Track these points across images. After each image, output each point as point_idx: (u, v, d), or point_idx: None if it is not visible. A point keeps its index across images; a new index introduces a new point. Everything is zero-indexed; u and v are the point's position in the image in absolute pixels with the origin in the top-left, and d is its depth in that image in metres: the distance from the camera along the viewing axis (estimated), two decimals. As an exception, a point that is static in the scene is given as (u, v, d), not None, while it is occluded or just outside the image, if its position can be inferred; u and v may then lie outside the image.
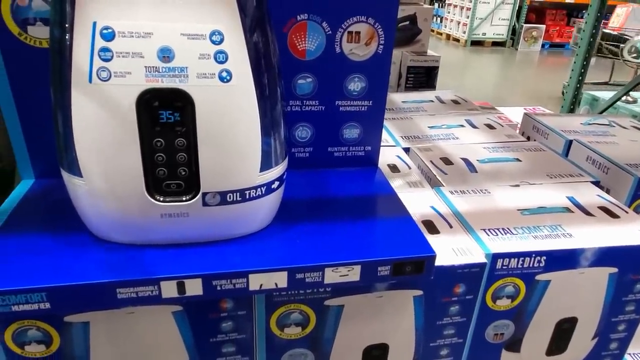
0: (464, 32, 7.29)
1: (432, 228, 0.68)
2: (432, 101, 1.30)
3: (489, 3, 7.01)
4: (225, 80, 0.48)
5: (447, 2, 7.89)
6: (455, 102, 1.30)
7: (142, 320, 0.57)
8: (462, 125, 1.11)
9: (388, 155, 0.93)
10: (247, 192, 0.53)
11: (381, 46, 0.68)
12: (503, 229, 0.69)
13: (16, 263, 0.50)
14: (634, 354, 0.86)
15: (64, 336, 0.55)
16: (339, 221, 0.61)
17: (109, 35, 0.44)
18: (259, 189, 0.54)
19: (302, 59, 0.67)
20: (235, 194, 0.53)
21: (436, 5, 8.26)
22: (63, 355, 0.56)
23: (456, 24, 7.65)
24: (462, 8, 7.37)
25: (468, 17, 7.11)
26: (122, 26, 0.44)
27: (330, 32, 0.66)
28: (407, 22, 1.58)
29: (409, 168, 0.88)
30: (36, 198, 0.63)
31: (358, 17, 0.66)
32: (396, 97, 1.33)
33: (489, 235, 0.67)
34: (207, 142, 0.49)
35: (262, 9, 0.50)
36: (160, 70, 0.45)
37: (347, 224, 0.60)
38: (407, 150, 0.98)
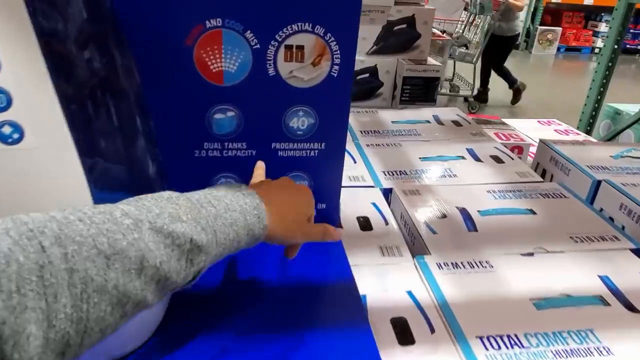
0: (475, 34, 7.01)
1: (406, 335, 0.47)
2: (428, 122, 1.08)
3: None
4: (9, 140, 0.26)
5: (459, 2, 7.61)
6: (457, 123, 1.08)
7: None
8: (462, 157, 0.89)
9: (362, 200, 0.72)
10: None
11: (336, 67, 0.47)
12: (509, 336, 0.47)
13: None
14: None
15: None
16: (257, 330, 0.40)
17: None
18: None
19: (219, 85, 0.46)
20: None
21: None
22: None
23: (467, 26, 7.36)
24: (474, 8, 7.08)
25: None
26: None
27: (258, 46, 0.45)
28: (404, 25, 1.36)
29: (386, 224, 0.66)
30: None
31: (300, 24, 0.44)
32: (385, 116, 1.11)
33: (487, 348, 0.46)
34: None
35: (93, 11, 0.29)
36: None
37: (267, 338, 0.39)
38: (388, 192, 0.76)
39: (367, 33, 1.36)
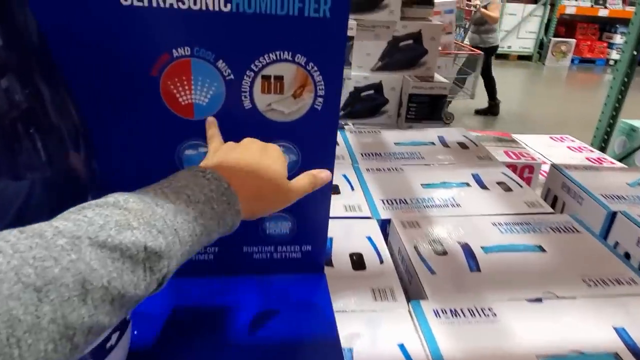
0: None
1: (393, 400, 0.42)
2: (433, 144, 1.03)
3: (515, 15, 6.66)
4: None
5: (471, 13, 7.56)
6: (463, 145, 1.03)
7: None
8: (467, 184, 0.84)
9: (356, 234, 0.67)
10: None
11: (320, 99, 0.42)
12: (512, 404, 0.42)
13: None
14: None
15: None
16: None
17: None
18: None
19: (189, 119, 0.41)
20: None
21: (460, 16, 7.95)
22: None
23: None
24: (486, 19, 7.02)
25: (493, 29, 6.75)
26: None
27: (232, 76, 0.40)
28: (411, 41, 1.31)
29: (381, 262, 0.61)
30: None
31: (278, 52, 0.40)
32: (388, 137, 1.06)
33: (487, 419, 0.40)
34: None
35: None
36: None
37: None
38: (386, 223, 0.71)
39: (372, 49, 1.32)
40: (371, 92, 1.35)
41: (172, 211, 0.30)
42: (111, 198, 0.29)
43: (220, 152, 0.38)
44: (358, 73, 1.32)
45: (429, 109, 1.31)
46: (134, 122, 0.40)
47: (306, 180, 0.40)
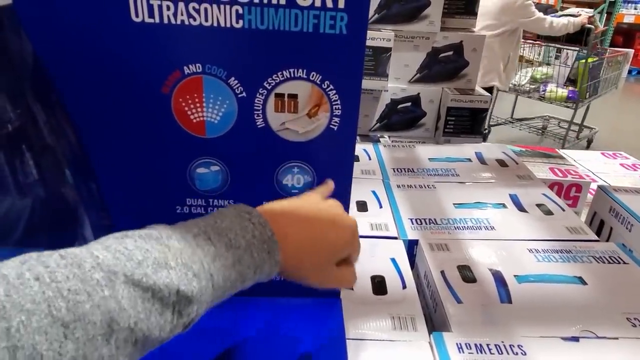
0: (539, 54, 6.70)
1: None
2: (469, 160, 0.98)
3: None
4: None
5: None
6: (502, 162, 0.98)
7: None
8: (503, 205, 0.79)
9: (380, 255, 0.64)
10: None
11: (336, 119, 0.40)
12: None
13: None
14: None
15: None
16: None
17: None
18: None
19: (201, 136, 0.40)
20: None
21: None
22: None
23: (529, 45, 7.06)
24: (538, 28, 6.77)
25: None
26: None
27: (244, 94, 0.39)
28: (451, 53, 1.27)
29: (404, 287, 0.58)
30: None
31: (292, 70, 0.38)
32: (422, 152, 1.02)
33: None
34: None
35: None
36: None
37: None
38: (414, 244, 0.68)
39: (411, 60, 1.28)
40: (408, 104, 1.31)
41: (212, 255, 0.30)
42: (155, 231, 0.29)
43: (282, 203, 0.37)
44: (395, 85, 1.29)
45: (468, 122, 1.26)
46: (145, 139, 0.40)
47: (344, 277, 0.39)
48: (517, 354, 0.48)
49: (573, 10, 3.32)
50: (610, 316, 0.54)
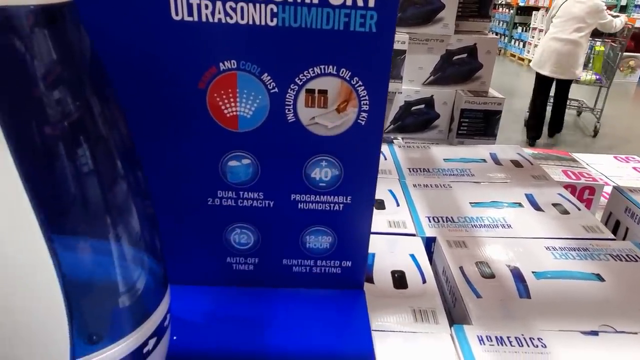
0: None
1: None
2: (484, 161, 0.99)
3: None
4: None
5: (531, 26, 7.32)
6: (516, 163, 0.99)
7: None
8: (519, 205, 0.80)
9: (399, 251, 0.65)
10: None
11: (364, 114, 0.42)
12: None
13: None
14: None
15: None
16: None
17: None
18: (74, 386, 0.29)
19: (233, 130, 0.42)
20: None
21: (519, 29, 7.72)
22: None
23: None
24: (548, 33, 6.76)
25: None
26: None
27: (276, 89, 0.41)
28: (465, 55, 1.29)
29: (424, 282, 0.59)
30: None
31: (323, 66, 0.40)
32: (437, 152, 1.03)
33: None
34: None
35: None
36: None
37: None
38: (431, 241, 0.69)
39: (425, 62, 1.30)
40: (422, 106, 1.33)
41: None
42: None
43: None
44: (409, 87, 1.31)
45: (482, 124, 1.27)
46: (181, 133, 0.41)
47: None
48: (537, 346, 0.49)
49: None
50: (629, 312, 0.55)
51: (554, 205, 0.80)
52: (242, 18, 0.38)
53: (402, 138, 1.33)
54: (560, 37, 3.39)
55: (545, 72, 3.50)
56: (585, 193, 1.15)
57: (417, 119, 1.34)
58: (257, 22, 0.38)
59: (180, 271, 0.47)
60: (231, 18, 0.38)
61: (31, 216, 0.25)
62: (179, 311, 0.36)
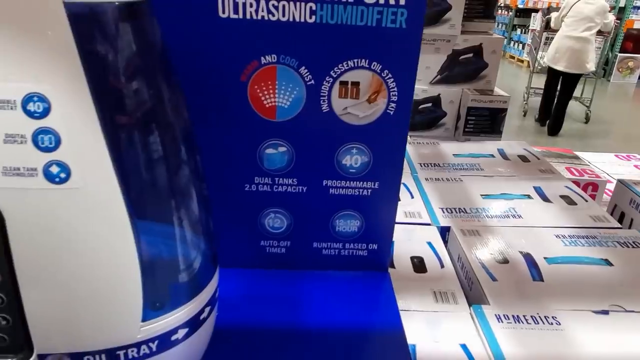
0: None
1: (457, 396, 0.43)
2: (492, 156, 1.03)
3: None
4: (57, 179, 0.27)
5: (530, 28, 7.37)
6: (523, 158, 1.02)
7: None
8: (528, 196, 0.83)
9: (417, 239, 0.68)
10: (120, 352, 0.32)
11: (393, 104, 0.45)
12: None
13: None
14: None
15: None
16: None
17: None
18: (144, 347, 0.32)
19: (271, 120, 0.45)
20: (97, 356, 0.31)
21: (518, 31, 7.77)
22: None
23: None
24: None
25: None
26: None
27: (312, 81, 0.44)
28: (471, 55, 1.32)
29: (442, 266, 0.62)
30: None
31: (356, 60, 0.43)
32: (446, 148, 1.07)
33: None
34: (33, 278, 0.28)
35: (141, 43, 0.29)
36: None
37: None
38: (446, 230, 0.72)
39: (432, 62, 1.33)
40: (429, 105, 1.36)
41: None
42: None
43: None
44: (417, 86, 1.33)
45: (488, 122, 1.30)
46: (224, 122, 0.44)
47: None
48: (552, 324, 0.52)
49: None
50: (637, 293, 0.58)
51: (562, 197, 0.84)
52: (284, 15, 0.41)
53: (410, 136, 1.36)
54: (573, 35, 3.62)
55: (559, 67, 3.69)
56: (588, 189, 1.18)
57: (425, 118, 1.37)
58: (297, 19, 0.41)
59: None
60: (273, 15, 0.41)
61: (122, 205, 0.28)
62: (218, 291, 0.39)
